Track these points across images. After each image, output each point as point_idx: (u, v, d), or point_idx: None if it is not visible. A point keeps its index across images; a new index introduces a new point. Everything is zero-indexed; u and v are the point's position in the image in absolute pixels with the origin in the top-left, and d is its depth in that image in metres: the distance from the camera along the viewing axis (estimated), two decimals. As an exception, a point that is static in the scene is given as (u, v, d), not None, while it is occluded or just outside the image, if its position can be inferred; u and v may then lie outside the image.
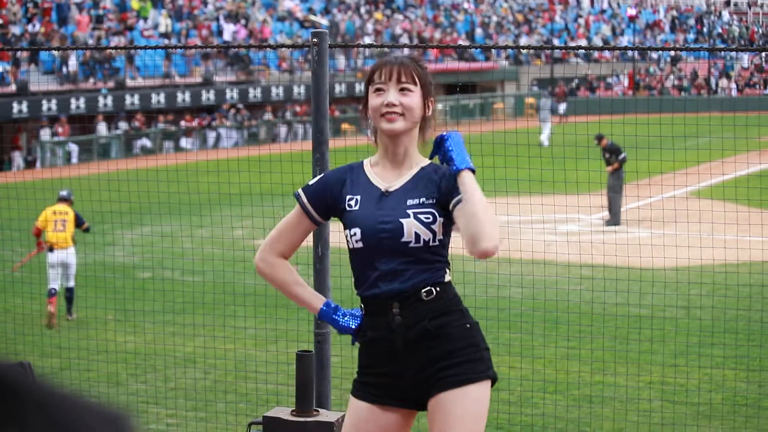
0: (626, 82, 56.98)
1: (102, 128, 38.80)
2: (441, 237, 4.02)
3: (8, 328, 10.98)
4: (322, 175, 4.34)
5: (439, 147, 4.07)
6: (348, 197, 4.12)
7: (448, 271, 4.09)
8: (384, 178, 4.13)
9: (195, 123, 41.37)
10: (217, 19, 48.92)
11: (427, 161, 4.17)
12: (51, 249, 13.84)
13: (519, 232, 15.22)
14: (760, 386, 9.99)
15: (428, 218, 4.00)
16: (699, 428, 8.67)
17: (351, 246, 4.08)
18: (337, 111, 44.82)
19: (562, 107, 48.34)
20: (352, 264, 4.12)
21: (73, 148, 36.53)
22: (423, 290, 4.00)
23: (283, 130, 43.89)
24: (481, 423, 4.04)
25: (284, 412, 5.79)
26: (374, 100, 4.10)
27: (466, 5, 65.03)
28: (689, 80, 57.54)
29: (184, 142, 40.08)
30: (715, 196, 19.91)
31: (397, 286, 4.00)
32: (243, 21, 49.58)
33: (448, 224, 4.04)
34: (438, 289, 4.02)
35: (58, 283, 13.77)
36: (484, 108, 50.54)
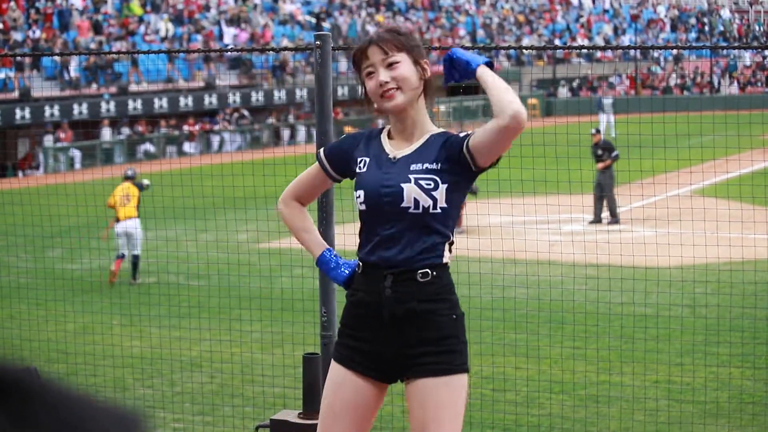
0: (627, 83, 56.97)
1: (105, 133, 38.81)
2: (444, 205, 4.04)
3: (14, 334, 10.98)
4: (344, 136, 4.46)
5: (452, 64, 4.13)
6: (359, 159, 4.21)
7: (448, 249, 4.12)
8: (396, 146, 4.19)
9: (198, 127, 41.38)
10: (219, 23, 48.93)
11: (437, 129, 4.21)
12: (117, 220, 16.20)
13: (524, 232, 15.20)
14: (766, 384, 9.98)
15: (429, 184, 4.04)
16: (706, 427, 8.66)
17: (358, 208, 4.17)
18: (340, 113, 44.83)
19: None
20: (360, 228, 4.21)
21: (76, 154, 36.54)
22: (419, 271, 4.04)
23: (286, 132, 43.89)
24: (460, 413, 4.10)
25: (291, 415, 5.80)
26: (369, 84, 4.13)
27: (467, 7, 65.02)
28: (691, 79, 57.52)
29: (188, 147, 40.09)
30: (720, 195, 19.92)
31: (394, 254, 4.05)
32: (244, 25, 49.60)
33: (453, 192, 4.06)
34: (434, 272, 4.06)
35: (126, 249, 16.15)
36: (486, 109, 50.53)
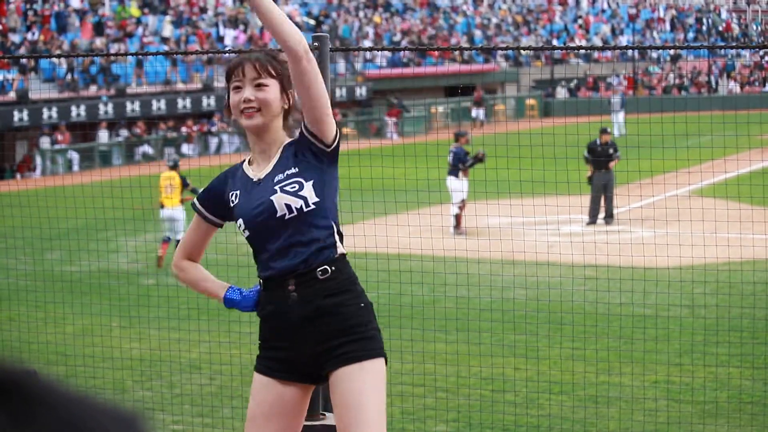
0: (625, 83, 56.98)
1: (103, 135, 38.79)
2: (315, 199, 4.15)
3: (13, 336, 10.98)
4: (212, 180, 4.58)
5: None
6: (231, 194, 4.34)
7: (339, 241, 4.24)
8: (257, 169, 4.31)
9: (196, 129, 41.36)
10: (217, 25, 48.93)
11: (288, 139, 4.32)
12: (162, 206, 17.67)
13: (522, 233, 15.21)
14: (766, 384, 9.98)
15: (294, 187, 4.16)
16: (705, 427, 8.67)
17: (244, 236, 4.29)
18: (338, 115, 44.83)
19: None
20: (252, 252, 4.34)
21: (74, 156, 36.52)
22: (318, 269, 4.15)
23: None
24: (381, 395, 4.18)
25: (291, 417, 5.79)
26: (233, 98, 4.26)
27: (465, 7, 65.03)
28: (689, 79, 57.53)
29: (186, 149, 40.07)
30: (718, 195, 19.91)
31: (288, 262, 4.16)
32: (242, 26, 49.60)
33: (323, 185, 4.19)
34: (333, 268, 4.17)
35: (171, 234, 17.56)
36: (484, 110, 50.52)
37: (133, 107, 39.93)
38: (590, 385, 9.83)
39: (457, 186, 19.96)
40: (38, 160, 36.52)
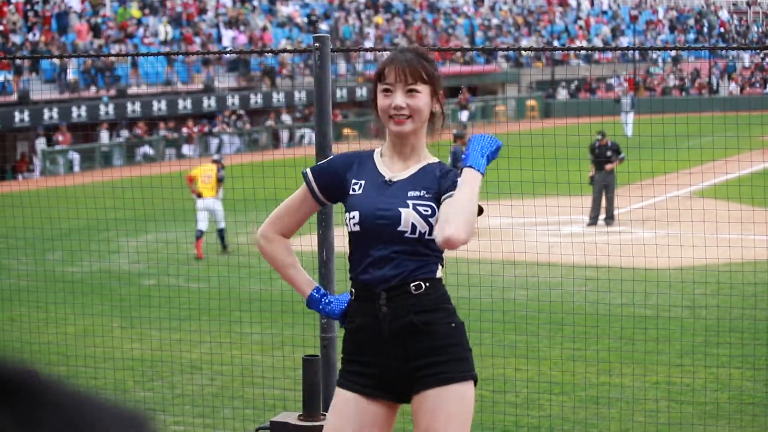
0: (626, 84, 56.99)
1: (104, 136, 38.80)
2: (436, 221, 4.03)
3: (14, 337, 10.98)
4: (332, 156, 4.38)
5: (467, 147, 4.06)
6: (353, 181, 4.16)
7: (440, 267, 4.11)
8: (390, 168, 4.16)
9: (196, 130, 41.37)
10: (217, 26, 48.93)
11: (434, 159, 4.20)
12: (199, 196, 18.53)
13: (523, 234, 15.21)
14: (766, 385, 9.98)
15: (427, 211, 4.03)
16: (706, 428, 8.67)
17: (349, 229, 4.12)
18: (339, 116, 44.82)
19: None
20: (349, 248, 4.17)
21: (75, 157, 36.52)
22: (412, 284, 4.02)
23: (284, 135, 43.89)
24: (467, 421, 4.07)
25: (291, 417, 5.80)
26: (383, 101, 4.09)
27: (466, 8, 65.03)
28: (690, 80, 57.52)
29: (186, 149, 40.08)
30: (719, 196, 19.92)
31: (387, 272, 4.01)
32: (242, 27, 49.60)
33: None
34: (427, 284, 4.04)
35: (206, 225, 18.44)
36: (485, 111, 50.54)
37: (133, 108, 39.93)
38: (591, 386, 9.83)
39: None
40: (37, 160, 36.49)
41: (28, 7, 42.23)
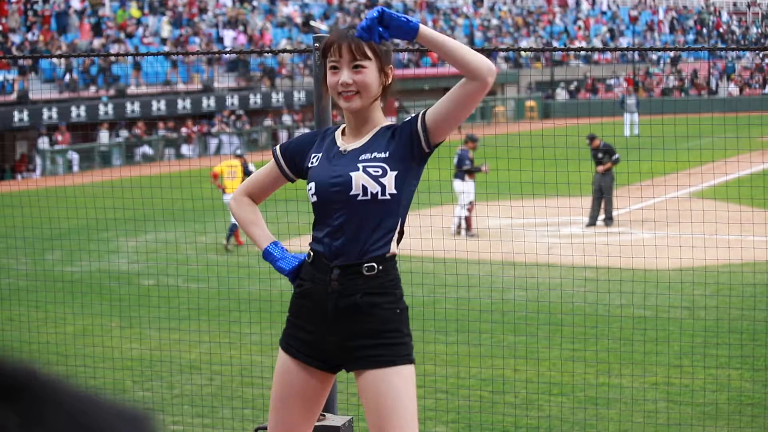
0: (625, 85, 57.01)
1: (103, 136, 38.80)
2: (393, 191, 4.09)
3: (13, 337, 10.98)
4: (301, 134, 4.54)
5: (381, 21, 3.95)
6: (312, 155, 4.30)
7: (396, 239, 4.19)
8: (348, 141, 4.26)
9: (196, 130, 41.38)
10: (217, 26, 48.94)
11: (387, 120, 4.28)
12: (224, 191, 19.14)
13: (522, 234, 15.22)
14: (765, 386, 9.98)
15: (377, 171, 4.10)
16: (705, 429, 8.67)
17: (310, 201, 4.24)
18: (338, 116, 44.75)
19: None
20: (313, 221, 4.28)
21: (74, 157, 36.52)
22: (365, 264, 4.11)
23: (284, 135, 43.89)
24: (414, 401, 4.16)
25: (291, 417, 5.79)
26: (330, 78, 4.17)
27: (465, 9, 65.05)
28: (689, 80, 57.55)
29: (185, 149, 40.08)
30: (718, 197, 19.92)
31: (341, 243, 4.11)
32: (242, 27, 49.60)
33: (404, 180, 4.12)
34: (380, 267, 4.13)
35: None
36: (484, 111, 50.55)
37: (133, 108, 39.94)
38: (590, 387, 9.83)
39: (463, 188, 19.94)
40: (38, 160, 36.49)
41: (28, 6, 42.23)
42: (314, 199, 4.18)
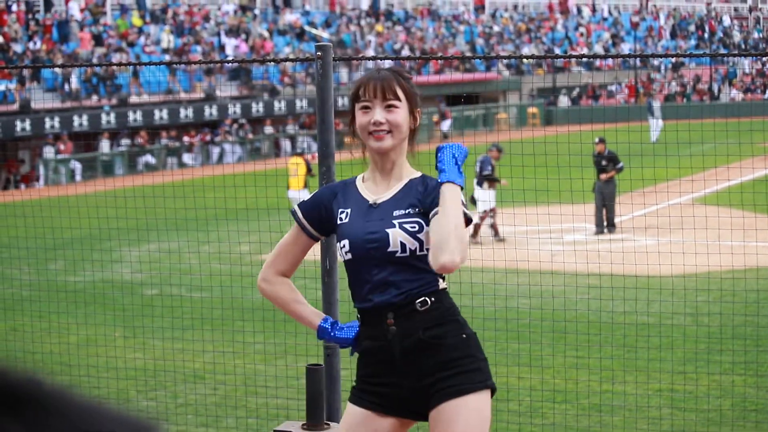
0: (627, 91, 57.03)
1: (105, 145, 38.83)
2: (429, 246, 4.01)
3: (17, 347, 10.98)
4: (316, 191, 4.42)
5: (437, 157, 4.07)
6: (340, 210, 4.18)
7: (441, 279, 4.11)
8: (374, 191, 4.18)
9: (198, 139, 41.40)
10: (218, 34, 48.98)
11: (416, 173, 4.22)
12: (288, 188, 20.24)
13: (525, 242, 15.22)
14: (770, 392, 9.97)
15: (414, 227, 4.04)
16: (709, 435, 8.65)
17: (343, 258, 4.14)
18: (341, 124, 44.83)
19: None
20: (348, 278, 4.19)
21: (77, 166, 36.54)
22: (417, 300, 4.02)
23: (287, 143, 43.90)
24: (484, 428, 4.06)
25: (294, 426, 5.79)
26: (361, 119, 4.12)
27: (466, 16, 65.08)
28: (691, 86, 57.55)
29: (188, 158, 40.10)
30: (721, 203, 19.91)
31: (389, 297, 4.03)
32: (244, 35, 49.64)
33: None
34: (432, 299, 4.05)
35: None
36: (486, 118, 50.56)
37: (135, 117, 39.97)
38: (594, 394, 9.82)
39: (482, 196, 19.90)
40: (41, 169, 36.52)
41: (29, 15, 42.29)
42: (349, 256, 4.09)
